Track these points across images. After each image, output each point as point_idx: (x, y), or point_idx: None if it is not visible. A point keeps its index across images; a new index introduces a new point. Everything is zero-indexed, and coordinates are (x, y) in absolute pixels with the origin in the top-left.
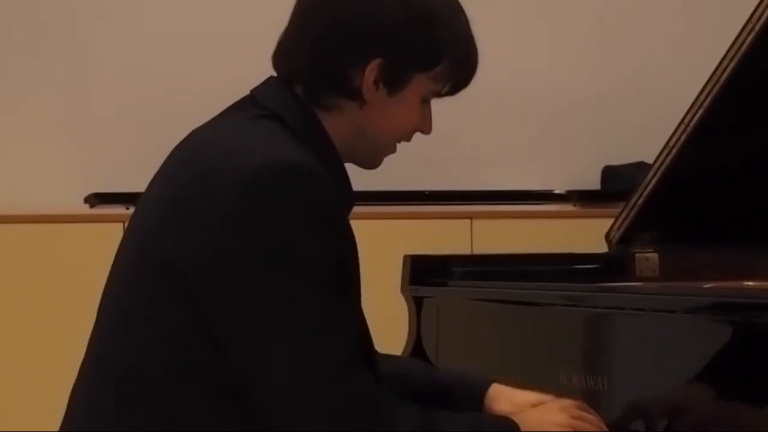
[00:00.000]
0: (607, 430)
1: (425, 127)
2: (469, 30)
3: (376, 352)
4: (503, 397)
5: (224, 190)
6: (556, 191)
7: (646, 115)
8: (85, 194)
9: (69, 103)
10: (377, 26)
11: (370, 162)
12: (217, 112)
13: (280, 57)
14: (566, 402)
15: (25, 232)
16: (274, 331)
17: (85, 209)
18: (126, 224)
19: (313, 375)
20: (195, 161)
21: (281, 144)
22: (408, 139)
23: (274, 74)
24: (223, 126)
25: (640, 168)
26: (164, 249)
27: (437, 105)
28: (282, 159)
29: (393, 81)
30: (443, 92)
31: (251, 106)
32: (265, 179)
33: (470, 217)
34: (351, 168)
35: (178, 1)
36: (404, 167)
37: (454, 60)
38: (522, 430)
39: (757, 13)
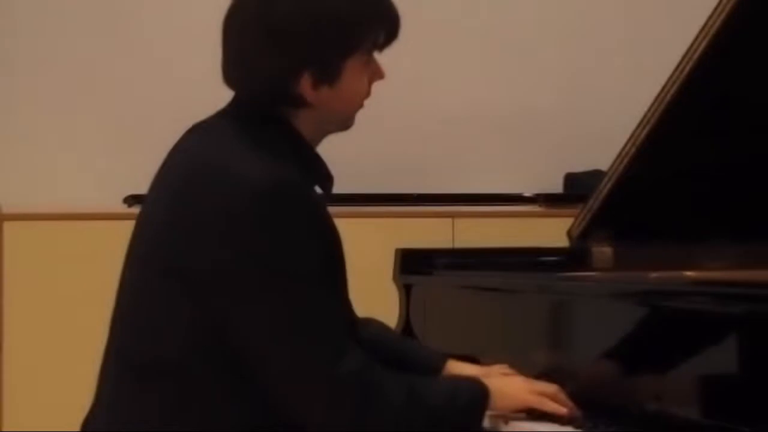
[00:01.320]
0: (569, 406)
1: (378, 78)
2: None
3: (356, 317)
4: (458, 370)
5: (225, 206)
6: (525, 194)
7: (602, 130)
8: (124, 195)
9: (111, 113)
10: (291, 47)
11: (344, 128)
12: None
13: (229, 83)
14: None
15: (71, 229)
16: (276, 326)
17: (124, 208)
18: None
19: (313, 361)
20: (193, 174)
21: (266, 159)
22: (367, 96)
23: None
24: (211, 140)
25: (596, 175)
26: (169, 253)
27: (429, 123)
28: (272, 179)
29: (328, 77)
30: (381, 49)
31: (228, 118)
32: (260, 198)
33: (452, 216)
34: (351, 175)
35: (221, 13)
36: (395, 174)
37: (372, 28)
38: (491, 389)
39: (706, 29)
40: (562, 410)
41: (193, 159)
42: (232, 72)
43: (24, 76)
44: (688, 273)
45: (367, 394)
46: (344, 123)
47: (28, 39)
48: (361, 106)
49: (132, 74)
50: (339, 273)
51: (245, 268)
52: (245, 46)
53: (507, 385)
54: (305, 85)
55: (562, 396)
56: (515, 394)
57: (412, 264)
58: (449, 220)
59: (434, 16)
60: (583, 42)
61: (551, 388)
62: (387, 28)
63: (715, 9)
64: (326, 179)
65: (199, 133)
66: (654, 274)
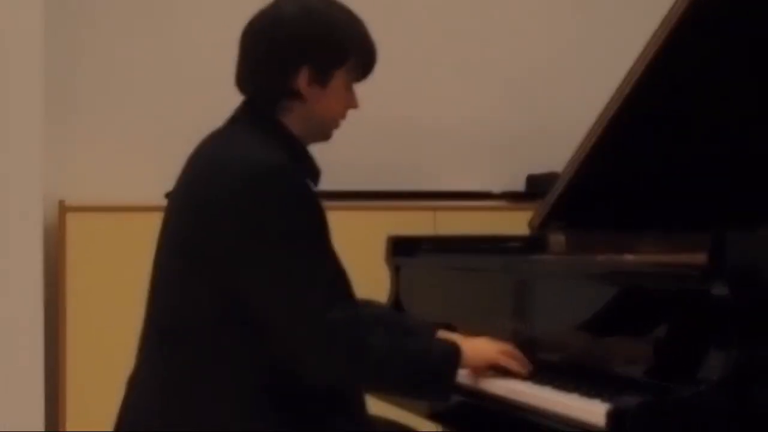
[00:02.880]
0: (525, 363)
1: (353, 105)
2: (365, 30)
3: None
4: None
5: (230, 187)
6: (494, 192)
7: (558, 139)
8: (166, 190)
9: (155, 119)
10: (299, 44)
11: (324, 137)
12: None
13: (239, 81)
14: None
15: (119, 220)
16: (278, 280)
17: (165, 202)
18: None
19: (307, 308)
20: (203, 166)
21: (264, 150)
22: (344, 117)
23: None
24: (221, 140)
25: (553, 176)
26: (188, 229)
27: (415, 131)
28: (268, 163)
29: (321, 78)
30: (358, 80)
31: (235, 124)
32: (255, 179)
33: (434, 209)
34: (349, 174)
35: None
36: (386, 174)
37: (359, 54)
38: (462, 347)
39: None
40: (520, 369)
41: (205, 157)
42: (243, 73)
43: (84, 86)
44: (629, 256)
45: (353, 339)
46: (324, 131)
47: (89, 53)
48: (337, 120)
49: (177, 84)
50: (326, 238)
51: (249, 235)
52: (257, 47)
53: (476, 344)
54: (302, 79)
55: (520, 354)
56: (483, 353)
57: (401, 249)
58: (431, 212)
59: (421, 42)
60: (543, 64)
61: (511, 347)
62: (366, 59)
63: (658, 28)
64: (314, 173)
65: (211, 137)
66: (600, 257)
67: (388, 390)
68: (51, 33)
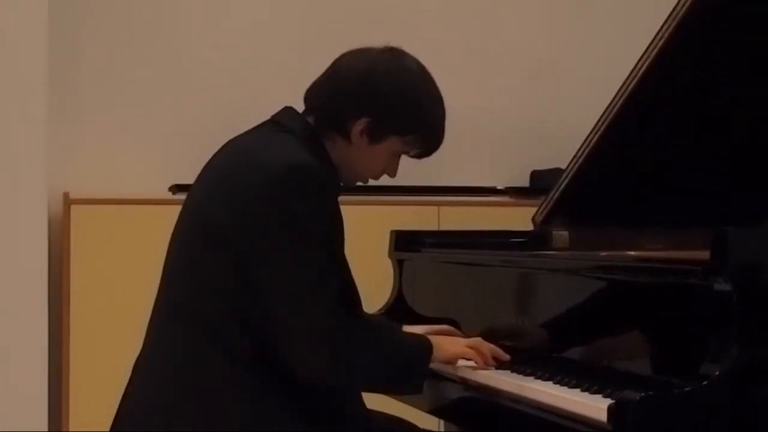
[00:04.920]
0: (503, 358)
1: (391, 174)
2: (443, 121)
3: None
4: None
5: (260, 181)
6: (498, 188)
7: (563, 135)
8: (169, 184)
9: (159, 112)
10: (375, 96)
11: (347, 182)
12: None
13: (309, 94)
14: (471, 339)
15: (122, 212)
16: (289, 276)
17: (169, 195)
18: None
19: (310, 307)
20: (238, 159)
21: (297, 150)
22: (376, 178)
23: (297, 103)
24: (257, 137)
25: (557, 172)
26: (214, 218)
27: None
28: (299, 161)
29: (373, 135)
30: (411, 154)
31: (273, 125)
32: (288, 174)
33: (438, 204)
34: None
35: (264, 22)
36: None
37: (422, 135)
38: (433, 342)
39: (650, 49)
40: (490, 361)
41: (235, 153)
42: (318, 89)
43: (88, 79)
44: (631, 252)
45: (341, 342)
46: (350, 177)
47: (94, 47)
48: (367, 178)
49: (179, 82)
50: (340, 247)
51: (272, 229)
52: (340, 77)
53: (445, 340)
54: (358, 126)
55: (489, 348)
56: (452, 347)
57: (404, 243)
58: (435, 207)
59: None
60: (548, 60)
61: (479, 341)
62: (424, 149)
63: (664, 24)
64: (338, 186)
65: (243, 137)
66: (603, 253)
67: (365, 388)
68: (55, 27)
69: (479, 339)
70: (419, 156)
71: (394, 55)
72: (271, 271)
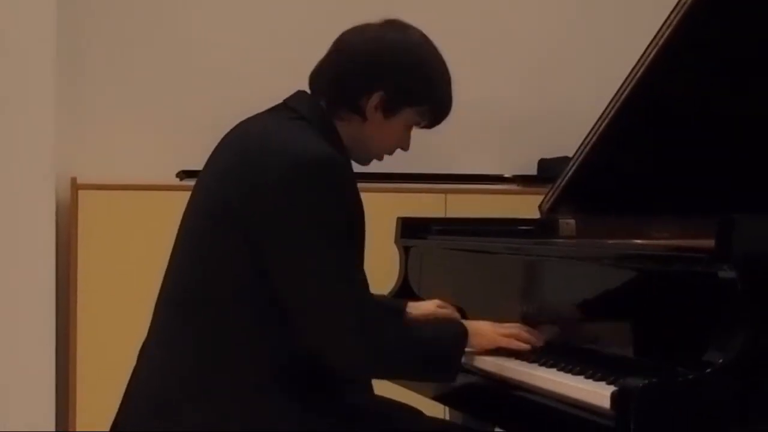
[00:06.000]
0: (531, 342)
1: (404, 147)
2: (450, 88)
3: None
4: (416, 305)
5: (278, 169)
6: (505, 176)
7: (571, 123)
8: (176, 170)
9: (167, 100)
10: (387, 70)
11: (363, 161)
12: None
13: (315, 76)
14: (508, 327)
15: (130, 198)
16: (311, 268)
17: (176, 182)
18: None
19: (339, 299)
20: (255, 146)
21: (314, 138)
22: (390, 153)
23: (301, 88)
24: (269, 122)
25: (565, 160)
26: (227, 204)
27: None
28: (322, 153)
29: (388, 109)
30: (421, 125)
31: (286, 110)
32: (309, 164)
33: (445, 192)
34: None
35: (274, 7)
36: (399, 156)
37: (435, 105)
38: (468, 329)
39: (656, 39)
40: (526, 347)
41: (252, 139)
42: (322, 71)
43: (97, 65)
44: (637, 240)
45: (374, 333)
46: (365, 155)
47: (102, 31)
48: (382, 154)
49: (188, 68)
50: (361, 237)
51: (297, 221)
52: (349, 54)
53: (480, 326)
54: (373, 102)
55: (525, 334)
56: (488, 334)
57: (411, 230)
58: (443, 195)
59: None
60: (556, 49)
61: (514, 328)
62: (435, 117)
63: (672, 11)
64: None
65: (254, 121)
66: (608, 241)
67: (398, 378)
68: (64, 13)
69: (517, 326)
70: (429, 126)
71: (396, 28)
72: (295, 262)
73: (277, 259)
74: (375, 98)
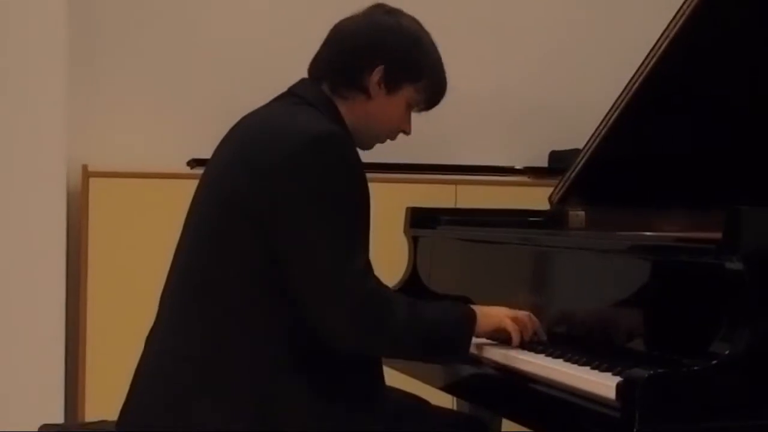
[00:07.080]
0: (538, 333)
1: (406, 129)
2: (443, 68)
3: None
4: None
5: (285, 152)
6: (516, 167)
7: (582, 115)
8: (187, 159)
9: (178, 88)
10: (385, 45)
11: (366, 145)
12: None
13: (315, 62)
14: (518, 312)
15: (141, 186)
16: (319, 245)
17: (187, 170)
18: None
19: (346, 275)
20: (260, 131)
21: (320, 120)
22: (393, 136)
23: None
24: (276, 109)
25: (575, 153)
26: (236, 191)
27: (438, 106)
28: (325, 130)
29: (390, 83)
30: (420, 106)
31: (292, 97)
32: (314, 143)
33: (455, 183)
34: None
35: (284, 6)
36: (409, 147)
37: (432, 79)
38: (478, 312)
39: (668, 30)
40: (524, 337)
41: (262, 123)
42: (322, 59)
43: (108, 52)
44: (646, 233)
45: (381, 306)
46: (368, 136)
47: (114, 19)
48: (384, 135)
49: (198, 57)
50: (367, 216)
51: (303, 197)
52: (345, 38)
53: (489, 308)
54: (375, 76)
55: (533, 323)
56: (496, 316)
57: (420, 220)
58: (453, 186)
59: (445, 16)
60: (568, 40)
61: (524, 314)
62: (434, 93)
63: (683, 2)
64: None
65: (261, 110)
66: (617, 233)
67: (406, 357)
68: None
69: (528, 314)
70: (427, 108)
71: (387, 9)
72: (302, 239)
73: (284, 234)
74: (376, 73)
